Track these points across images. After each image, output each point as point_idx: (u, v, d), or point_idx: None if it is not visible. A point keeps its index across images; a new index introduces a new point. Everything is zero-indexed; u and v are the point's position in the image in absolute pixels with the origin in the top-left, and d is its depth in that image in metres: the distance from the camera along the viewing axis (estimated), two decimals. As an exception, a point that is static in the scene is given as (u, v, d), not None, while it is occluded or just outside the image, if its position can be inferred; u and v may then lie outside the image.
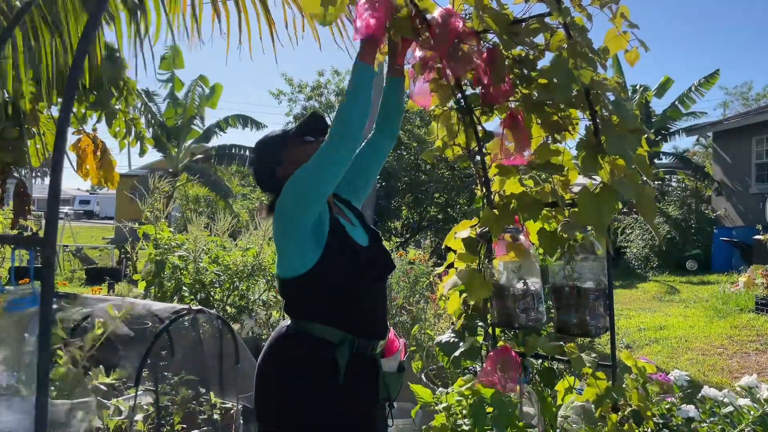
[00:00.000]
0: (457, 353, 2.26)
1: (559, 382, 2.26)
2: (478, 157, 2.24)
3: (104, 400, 2.39)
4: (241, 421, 2.90)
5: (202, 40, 2.74)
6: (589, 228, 1.87)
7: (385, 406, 1.82)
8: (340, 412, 1.68)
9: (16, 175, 3.52)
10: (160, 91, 16.43)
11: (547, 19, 1.84)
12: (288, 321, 1.79)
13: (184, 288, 4.31)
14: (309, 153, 1.73)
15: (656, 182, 14.14)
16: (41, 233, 1.53)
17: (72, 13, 2.75)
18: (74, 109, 3.37)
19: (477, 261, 2.21)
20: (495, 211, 2.05)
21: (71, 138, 3.63)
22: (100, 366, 2.38)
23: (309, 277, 1.68)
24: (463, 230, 2.24)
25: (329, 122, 1.81)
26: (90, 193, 43.65)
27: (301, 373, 1.68)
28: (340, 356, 1.67)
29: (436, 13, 1.89)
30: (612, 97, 1.85)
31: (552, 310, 2.09)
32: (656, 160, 14.85)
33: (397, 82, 1.96)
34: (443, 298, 2.30)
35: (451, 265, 2.35)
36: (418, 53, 1.94)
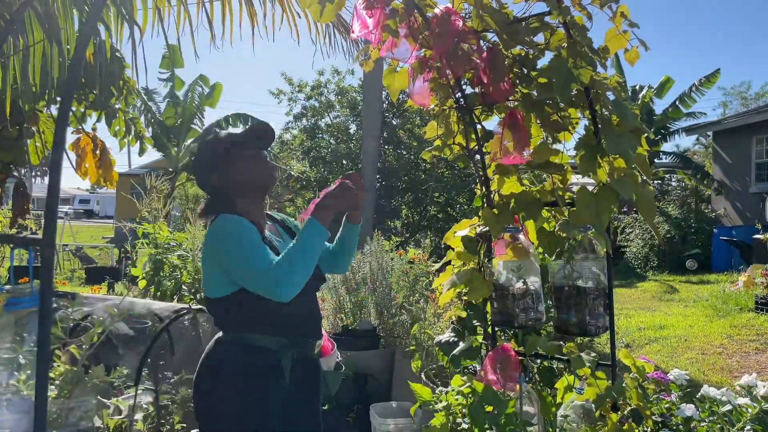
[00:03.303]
0: (456, 352, 2.26)
1: (559, 381, 2.26)
2: (477, 157, 2.24)
3: (104, 400, 2.39)
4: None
5: (192, 34, 2.76)
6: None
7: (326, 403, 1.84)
8: (287, 415, 1.69)
9: (15, 174, 3.52)
10: (160, 90, 16.43)
11: (547, 18, 1.84)
12: (221, 333, 1.77)
13: (183, 287, 4.31)
14: (247, 167, 1.75)
15: (656, 182, 14.15)
16: (41, 232, 1.53)
17: (63, 13, 2.75)
18: (74, 109, 3.37)
19: (477, 260, 2.21)
20: (494, 210, 2.05)
21: (71, 137, 3.63)
22: (101, 365, 2.38)
23: (237, 295, 1.66)
24: (463, 229, 2.24)
25: (275, 134, 1.81)
26: (90, 193, 43.62)
27: (244, 382, 1.67)
28: (283, 361, 1.68)
29: (436, 12, 1.89)
30: (612, 97, 1.85)
31: (552, 310, 2.08)
32: (656, 160, 14.84)
33: (353, 228, 1.95)
34: (439, 292, 2.31)
35: (448, 262, 2.35)
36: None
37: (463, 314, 2.37)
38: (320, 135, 16.17)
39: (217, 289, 1.70)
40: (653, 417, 2.04)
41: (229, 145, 1.79)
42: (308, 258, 1.61)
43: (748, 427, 2.00)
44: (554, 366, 2.54)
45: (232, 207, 1.75)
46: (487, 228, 2.06)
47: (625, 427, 1.94)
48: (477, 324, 2.36)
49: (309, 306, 1.81)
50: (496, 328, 2.33)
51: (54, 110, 3.45)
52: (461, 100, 2.15)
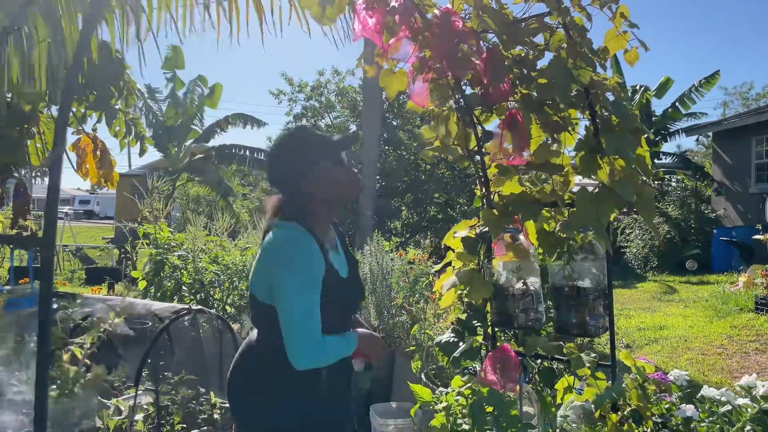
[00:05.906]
0: (456, 353, 2.26)
1: (559, 381, 2.26)
2: (477, 157, 2.24)
3: (104, 400, 2.39)
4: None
5: (195, 28, 2.73)
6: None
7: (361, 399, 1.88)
8: (320, 420, 1.71)
9: (15, 174, 3.51)
10: (162, 89, 16.48)
11: (546, 19, 1.85)
12: (256, 333, 1.79)
13: (183, 288, 4.31)
14: (336, 176, 1.71)
15: (656, 182, 14.12)
16: (41, 233, 1.53)
17: (66, 13, 2.74)
18: (74, 109, 3.37)
19: (477, 261, 2.21)
20: (494, 211, 2.05)
21: (71, 138, 3.62)
22: (101, 365, 2.38)
23: None
24: (463, 230, 2.24)
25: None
26: (90, 193, 43.63)
27: (279, 384, 1.68)
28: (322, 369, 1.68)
29: (435, 12, 1.89)
30: (612, 97, 1.85)
31: (552, 310, 2.09)
32: (656, 160, 14.83)
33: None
34: (440, 295, 2.31)
35: (448, 264, 2.35)
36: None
37: (463, 316, 2.37)
38: (320, 135, 16.20)
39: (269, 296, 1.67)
40: (653, 417, 2.04)
41: (320, 152, 1.74)
42: (336, 357, 1.66)
43: (747, 427, 2.00)
44: (554, 366, 2.54)
45: (308, 213, 1.71)
46: (487, 229, 2.06)
47: (625, 428, 1.94)
48: (477, 324, 2.36)
49: (348, 322, 1.82)
50: (496, 329, 2.33)
51: (55, 111, 3.45)
52: (461, 100, 2.15)
